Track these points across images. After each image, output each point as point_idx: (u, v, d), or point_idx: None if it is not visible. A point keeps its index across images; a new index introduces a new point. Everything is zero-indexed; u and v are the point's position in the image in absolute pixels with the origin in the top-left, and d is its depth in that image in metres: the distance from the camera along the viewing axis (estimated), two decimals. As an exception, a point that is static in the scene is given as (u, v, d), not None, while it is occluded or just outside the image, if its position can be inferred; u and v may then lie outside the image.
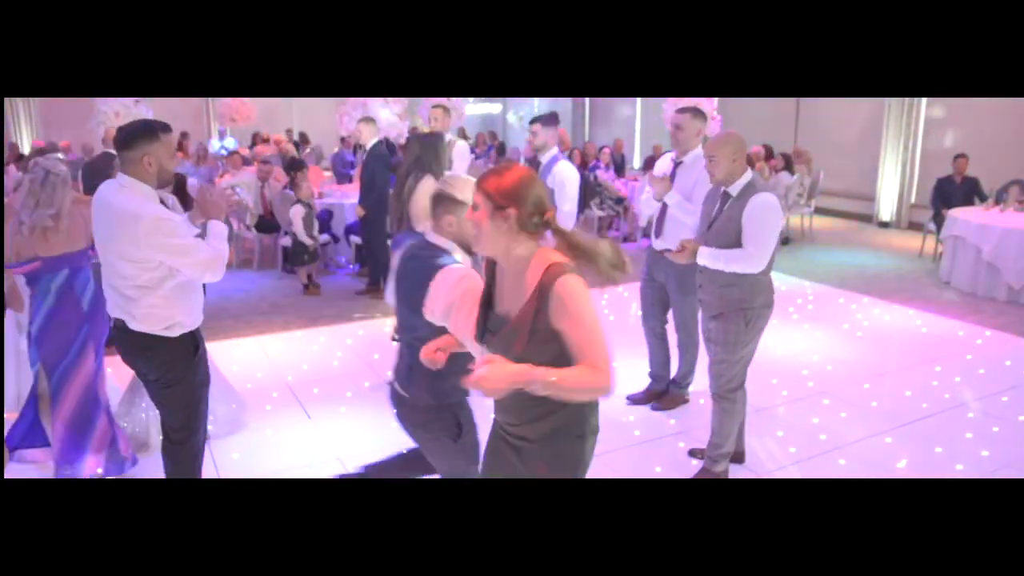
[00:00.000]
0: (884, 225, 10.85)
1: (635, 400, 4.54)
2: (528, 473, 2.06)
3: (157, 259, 2.70)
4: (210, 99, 14.33)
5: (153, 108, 9.59)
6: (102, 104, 8.87)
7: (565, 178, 4.31)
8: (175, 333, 2.85)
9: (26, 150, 12.22)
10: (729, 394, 3.50)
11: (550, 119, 4.63)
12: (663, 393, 4.55)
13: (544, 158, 4.49)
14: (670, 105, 8.68)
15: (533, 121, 4.60)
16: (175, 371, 2.90)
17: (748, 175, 3.37)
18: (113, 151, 5.75)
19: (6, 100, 12.71)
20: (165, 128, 2.77)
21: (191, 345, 2.92)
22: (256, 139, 13.96)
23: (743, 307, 3.36)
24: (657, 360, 4.54)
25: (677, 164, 4.19)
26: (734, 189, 3.36)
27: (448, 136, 5.80)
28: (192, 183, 9.82)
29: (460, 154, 5.82)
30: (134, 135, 2.71)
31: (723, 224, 3.36)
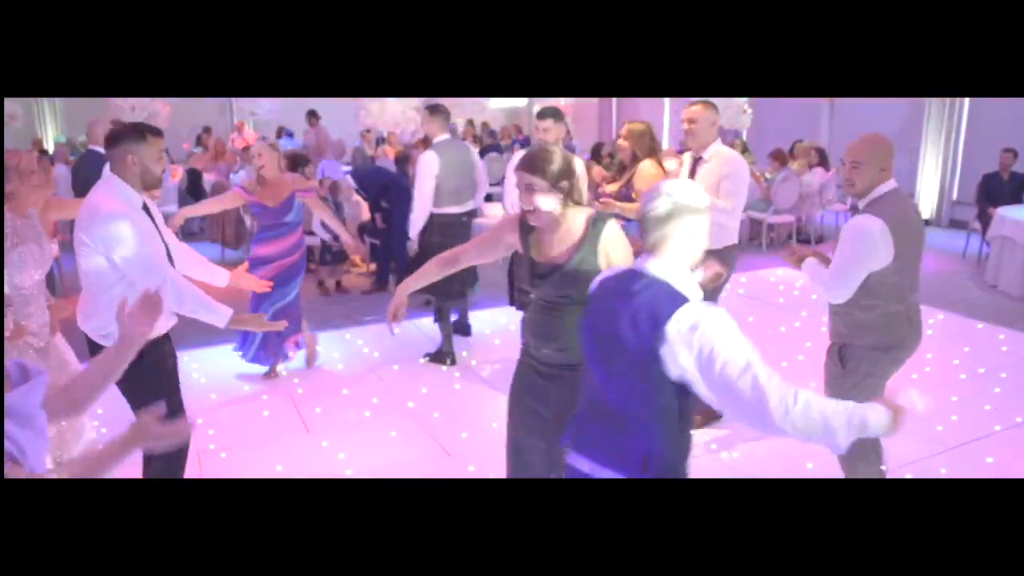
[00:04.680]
0: (924, 223, 10.40)
1: None
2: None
3: (105, 257, 2.66)
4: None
5: (171, 103, 9.49)
6: (119, 99, 8.77)
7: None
8: (111, 342, 2.65)
9: (50, 147, 12.22)
10: None
11: (558, 114, 4.48)
12: None
13: None
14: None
15: (543, 116, 4.43)
16: (122, 384, 2.66)
17: (883, 187, 2.83)
18: (100, 149, 5.68)
19: (32, 98, 12.74)
20: (155, 132, 2.78)
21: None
22: (281, 133, 13.83)
23: (842, 343, 2.95)
24: None
25: (697, 160, 4.00)
26: (863, 204, 2.87)
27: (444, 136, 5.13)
28: (208, 180, 9.71)
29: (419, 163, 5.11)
30: (120, 134, 2.75)
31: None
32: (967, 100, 9.97)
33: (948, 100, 9.96)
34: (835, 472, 3.18)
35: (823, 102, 11.77)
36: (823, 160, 9.07)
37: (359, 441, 4.05)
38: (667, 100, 14.53)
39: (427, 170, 4.91)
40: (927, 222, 10.42)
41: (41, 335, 3.22)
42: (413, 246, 5.11)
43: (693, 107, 3.97)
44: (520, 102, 17.68)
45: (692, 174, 3.97)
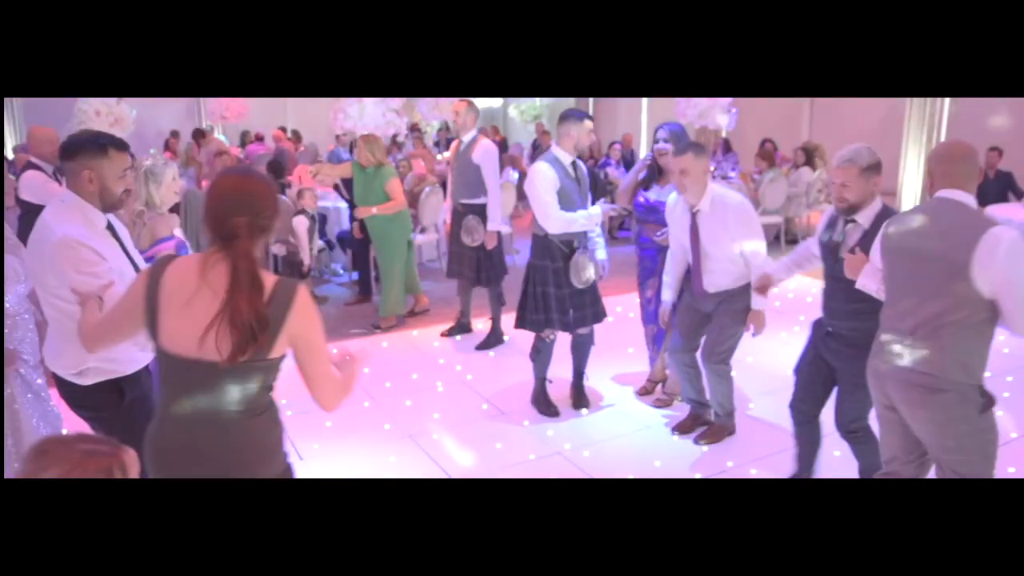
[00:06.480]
0: (906, 221, 10.39)
1: (681, 428, 4.15)
2: None
3: (63, 288, 2.29)
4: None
5: (138, 106, 9.08)
6: (82, 103, 8.34)
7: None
8: (87, 380, 2.41)
9: (9, 153, 11.72)
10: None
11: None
12: (705, 419, 4.14)
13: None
14: (683, 103, 8.20)
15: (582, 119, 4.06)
16: (104, 425, 2.44)
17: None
18: (39, 161, 5.28)
19: (-12, 100, 12.24)
20: (118, 145, 2.40)
21: (112, 394, 2.45)
22: (246, 138, 13.44)
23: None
24: (694, 387, 4.11)
25: (695, 214, 3.66)
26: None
27: (473, 132, 5.37)
28: (181, 185, 9.33)
29: (486, 153, 5.26)
30: (78, 146, 2.39)
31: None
32: (948, 99, 9.95)
33: (929, 99, 9.94)
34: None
35: (803, 101, 11.73)
36: (810, 159, 8.97)
37: (352, 464, 3.82)
38: (645, 101, 14.40)
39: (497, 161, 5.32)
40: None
41: (33, 359, 2.99)
42: (493, 240, 5.32)
43: (684, 155, 3.54)
44: (495, 103, 17.49)
45: (693, 228, 3.68)
